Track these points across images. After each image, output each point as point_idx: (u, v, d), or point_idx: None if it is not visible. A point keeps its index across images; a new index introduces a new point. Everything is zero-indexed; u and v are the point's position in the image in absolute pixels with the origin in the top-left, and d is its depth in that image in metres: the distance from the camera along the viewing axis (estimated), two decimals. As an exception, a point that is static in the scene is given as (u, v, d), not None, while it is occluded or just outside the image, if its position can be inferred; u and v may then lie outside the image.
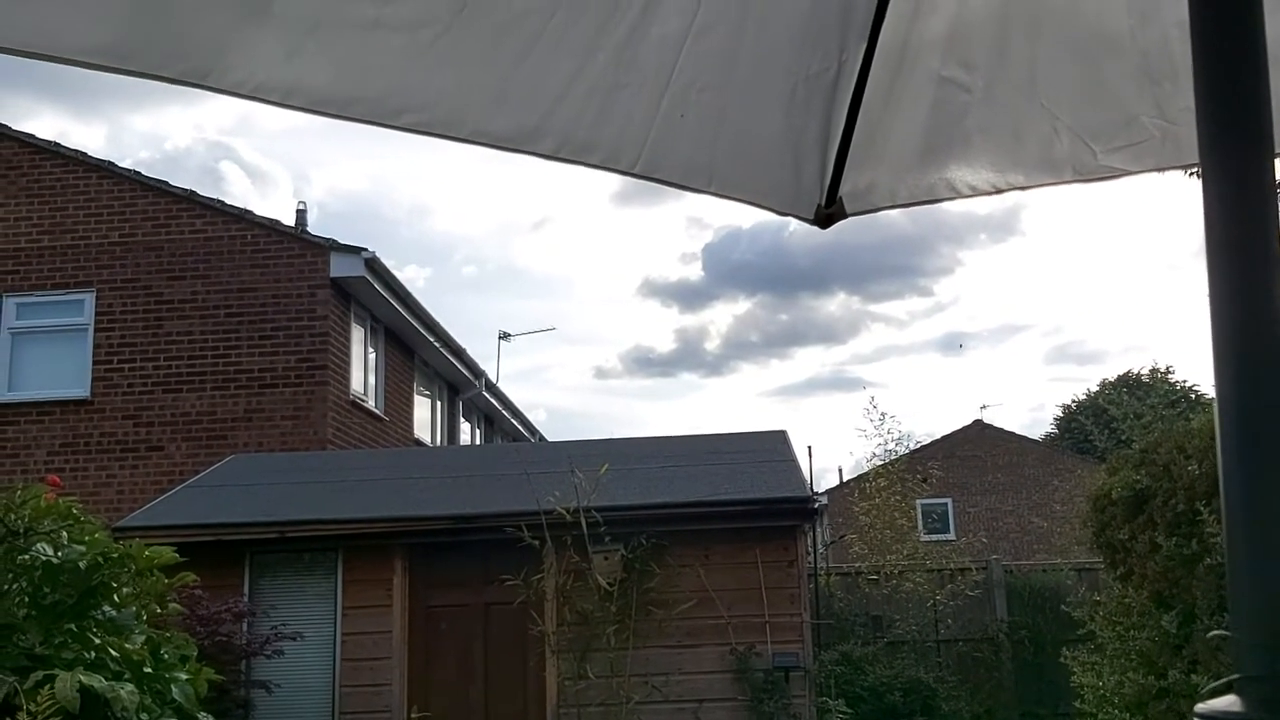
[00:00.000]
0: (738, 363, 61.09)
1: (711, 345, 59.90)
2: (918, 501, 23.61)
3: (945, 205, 2.01)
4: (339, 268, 13.36)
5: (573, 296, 52.72)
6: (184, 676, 5.54)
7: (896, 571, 11.99)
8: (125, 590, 5.65)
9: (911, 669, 10.85)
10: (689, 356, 59.64)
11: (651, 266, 61.64)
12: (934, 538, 22.92)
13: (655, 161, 1.89)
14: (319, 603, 8.84)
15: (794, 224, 2.36)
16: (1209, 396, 7.35)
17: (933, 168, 1.91)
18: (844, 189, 2.02)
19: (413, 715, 8.62)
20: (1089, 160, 1.77)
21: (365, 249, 13.43)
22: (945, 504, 29.14)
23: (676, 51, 1.79)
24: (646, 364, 58.80)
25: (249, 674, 8.48)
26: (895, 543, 13.25)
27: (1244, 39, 1.09)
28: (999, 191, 1.89)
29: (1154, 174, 1.89)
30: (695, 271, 60.19)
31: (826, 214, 2.06)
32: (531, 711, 8.65)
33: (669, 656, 8.49)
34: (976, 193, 1.90)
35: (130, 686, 4.82)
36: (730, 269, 55.78)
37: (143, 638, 5.53)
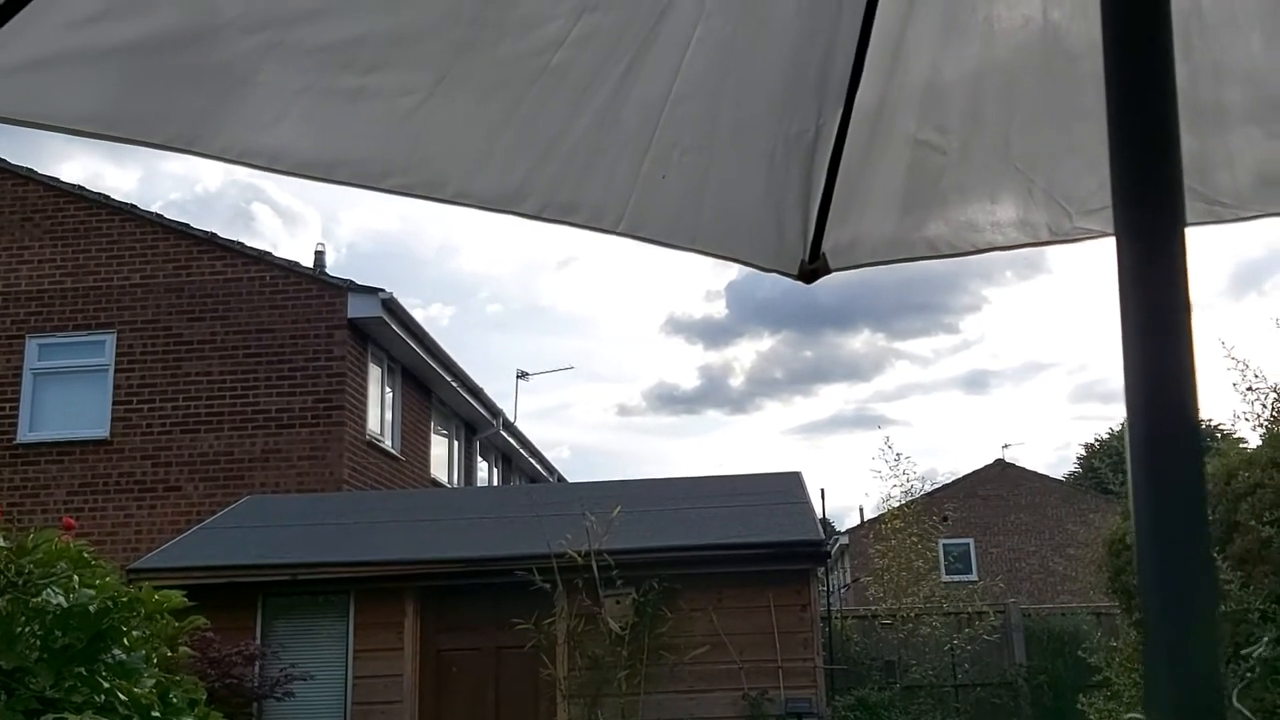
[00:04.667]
0: (762, 399, 60.96)
1: (736, 382, 59.84)
2: (940, 541, 23.46)
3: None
4: (356, 308, 13.46)
5: (597, 334, 52.82)
6: (192, 720, 5.56)
7: (913, 615, 11.88)
8: (135, 634, 5.69)
9: (929, 714, 10.74)
10: (713, 393, 59.56)
11: (676, 304, 61.74)
12: (955, 578, 22.70)
13: (639, 221, 1.92)
14: (330, 645, 8.84)
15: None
16: (1233, 435, 7.31)
17: (912, 227, 1.93)
18: (827, 245, 2.04)
19: (423, 759, 8.59)
20: (1064, 222, 1.78)
21: (382, 289, 13.53)
22: (967, 544, 28.88)
23: (658, 114, 1.83)
24: (671, 401, 58.76)
25: (261, 717, 8.47)
26: (912, 585, 13.15)
27: (1156, 116, 1.11)
28: (979, 251, 1.91)
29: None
30: (719, 309, 60.27)
31: (810, 269, 2.08)
32: (543, 756, 8.60)
33: (681, 702, 8.43)
34: (956, 252, 1.92)
35: (137, 731, 4.83)
36: (755, 306, 55.82)
37: (152, 681, 5.54)
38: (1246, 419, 6.37)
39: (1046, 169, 1.78)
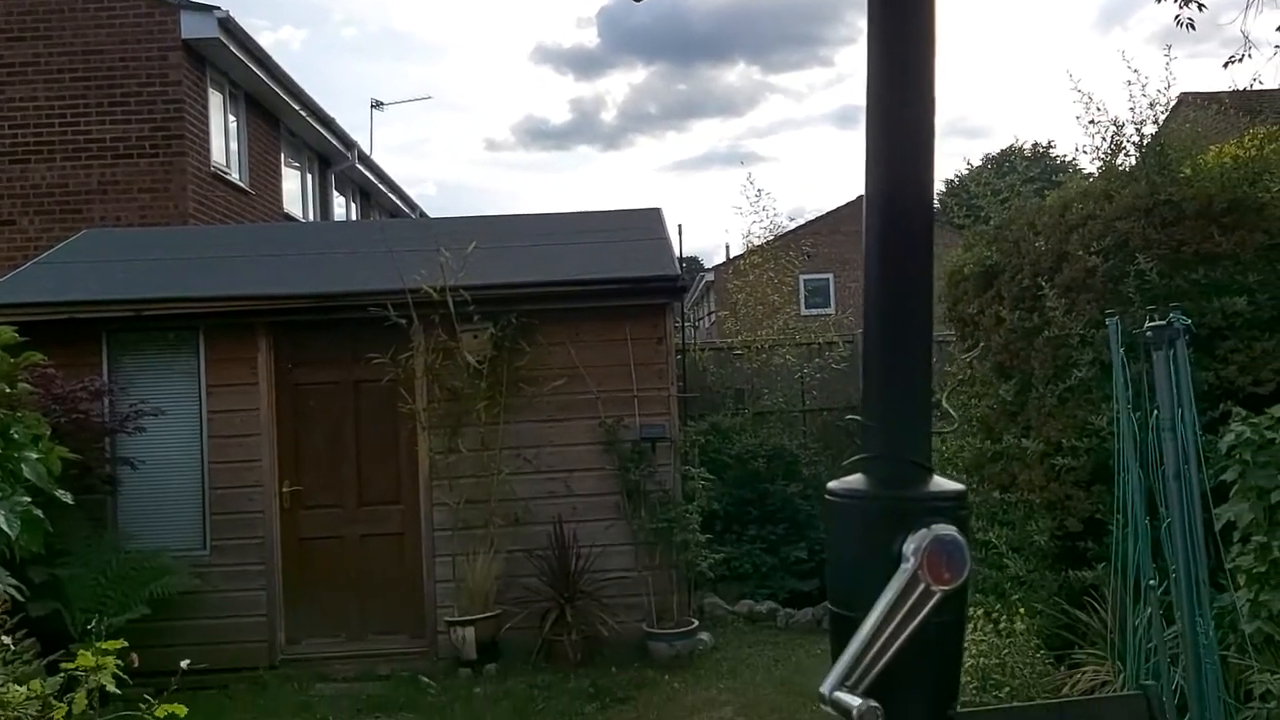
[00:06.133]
0: (635, 135, 60.17)
1: (608, 116, 58.70)
2: (801, 277, 24.07)
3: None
4: (190, 28, 12.54)
5: (460, 63, 50.66)
6: (35, 455, 5.45)
7: (767, 346, 12.28)
8: (-37, 371, 5.48)
9: (777, 437, 11.28)
10: (585, 128, 58.44)
11: (544, 31, 59.38)
12: (814, 312, 23.52)
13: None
14: (182, 381, 8.69)
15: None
16: (1084, 171, 7.48)
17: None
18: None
19: (285, 489, 8.71)
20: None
21: (218, 7, 12.58)
22: (827, 279, 29.80)
23: None
24: (540, 136, 57.47)
25: (113, 451, 8.40)
26: (767, 319, 13.55)
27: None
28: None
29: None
30: (590, 37, 58.37)
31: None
32: (405, 485, 8.80)
33: (539, 430, 8.66)
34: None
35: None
36: (627, 34, 54.18)
37: (-13, 418, 5.40)
38: (1086, 152, 6.49)
39: None
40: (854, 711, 0.92)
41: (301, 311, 8.66)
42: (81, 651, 3.68)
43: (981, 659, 5.52)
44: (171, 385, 8.69)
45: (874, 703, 0.92)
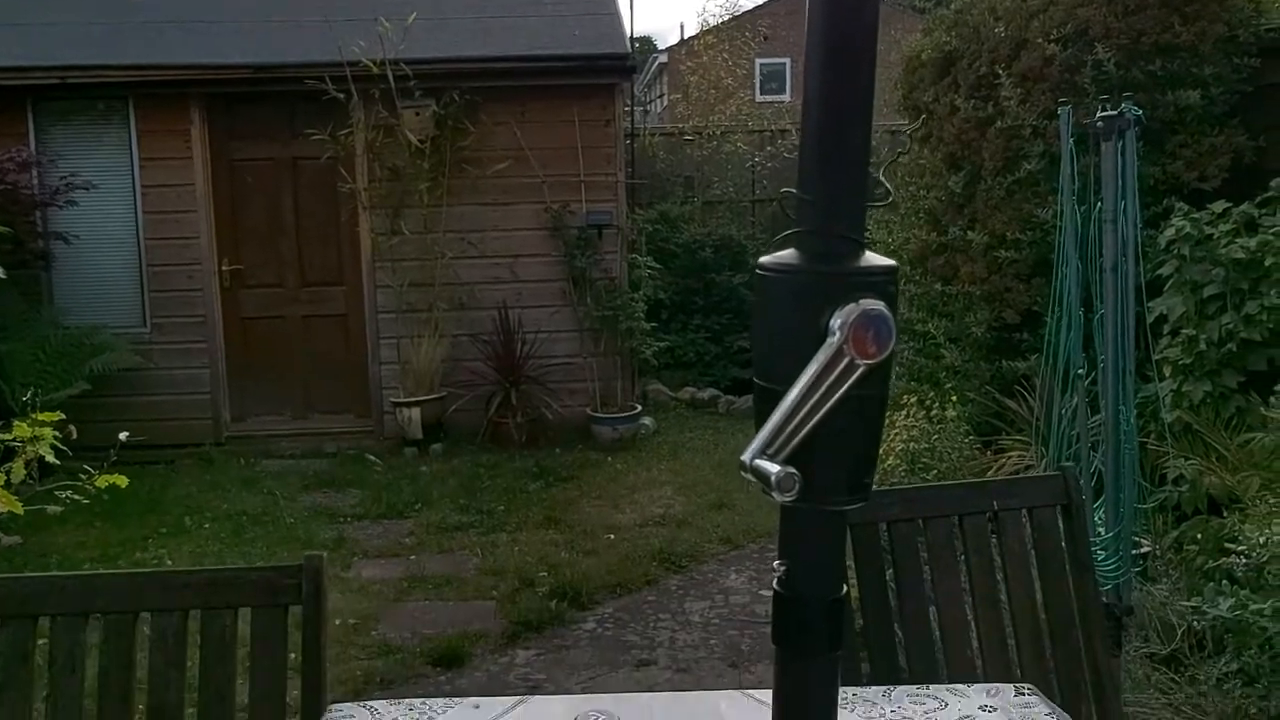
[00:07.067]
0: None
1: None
2: (757, 60, 23.46)
3: None
4: None
5: None
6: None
7: (719, 132, 12.07)
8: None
9: (725, 227, 11.25)
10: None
11: None
12: (769, 99, 23.05)
13: None
14: (114, 153, 8.39)
15: None
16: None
17: None
18: None
19: (224, 268, 8.58)
20: None
21: None
22: (783, 64, 29.10)
23: None
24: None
25: (46, 226, 8.18)
26: (720, 103, 13.28)
27: None
28: None
29: None
30: None
31: None
32: (346, 266, 8.70)
33: (484, 214, 8.53)
34: None
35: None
36: None
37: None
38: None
39: None
40: (772, 478, 0.92)
41: (237, 83, 8.31)
42: (18, 423, 3.66)
43: (912, 444, 5.71)
44: (103, 158, 8.40)
45: (792, 469, 0.93)
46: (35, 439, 3.38)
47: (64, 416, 3.79)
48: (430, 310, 8.36)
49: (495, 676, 4.57)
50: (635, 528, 6.42)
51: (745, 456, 0.95)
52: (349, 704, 1.78)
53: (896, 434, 5.79)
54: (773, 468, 0.93)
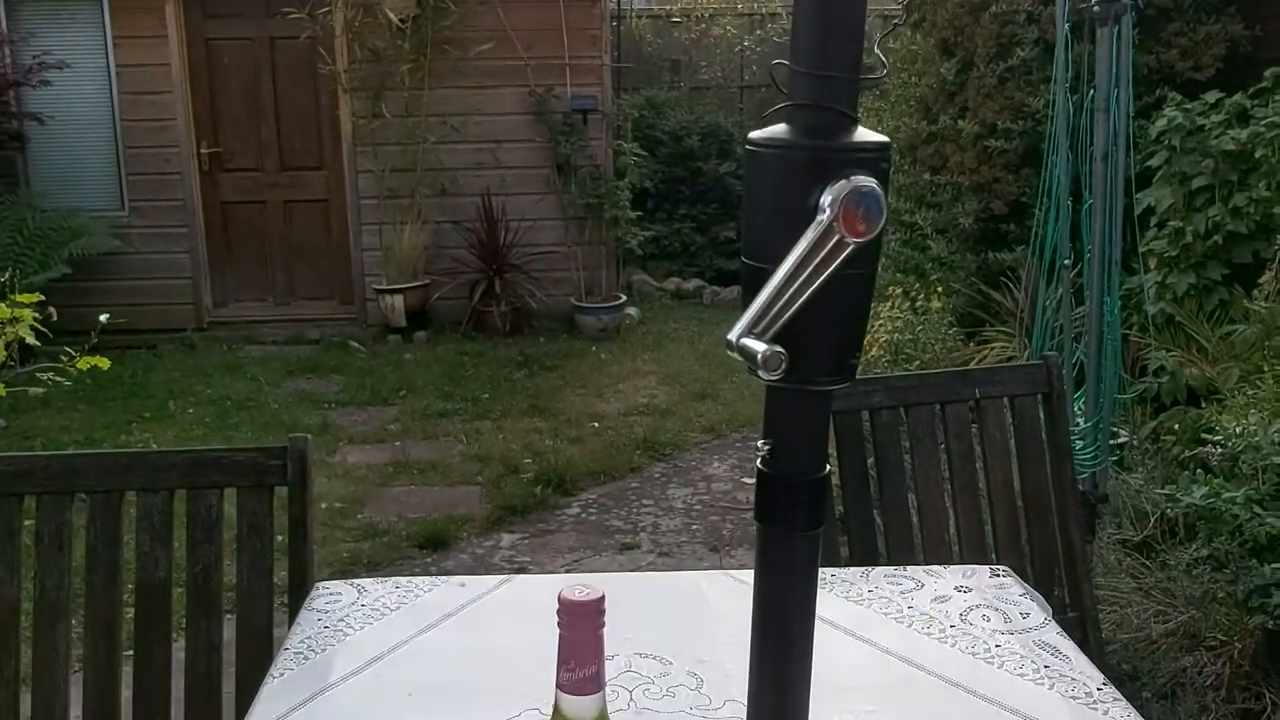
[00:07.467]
0: None
1: None
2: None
3: None
4: None
5: None
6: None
7: (707, 15, 11.79)
8: None
9: (713, 114, 11.05)
10: None
11: None
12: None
13: None
14: (87, 31, 8.16)
15: None
16: None
17: None
18: None
19: (203, 151, 8.43)
20: None
21: None
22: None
23: None
24: None
25: (19, 106, 7.99)
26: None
27: None
28: None
29: None
30: None
31: None
32: (327, 150, 8.55)
33: (467, 98, 8.37)
34: None
35: None
36: None
37: None
38: None
39: None
40: (759, 356, 0.91)
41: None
42: (-3, 305, 3.63)
43: (896, 335, 5.72)
44: (76, 36, 8.17)
45: (779, 348, 0.92)
46: (15, 320, 3.36)
47: (43, 298, 3.76)
48: (412, 196, 8.26)
49: (480, 559, 4.64)
50: (619, 416, 6.46)
51: (732, 335, 0.94)
52: (336, 581, 1.80)
53: (881, 325, 5.80)
54: (759, 346, 0.92)
